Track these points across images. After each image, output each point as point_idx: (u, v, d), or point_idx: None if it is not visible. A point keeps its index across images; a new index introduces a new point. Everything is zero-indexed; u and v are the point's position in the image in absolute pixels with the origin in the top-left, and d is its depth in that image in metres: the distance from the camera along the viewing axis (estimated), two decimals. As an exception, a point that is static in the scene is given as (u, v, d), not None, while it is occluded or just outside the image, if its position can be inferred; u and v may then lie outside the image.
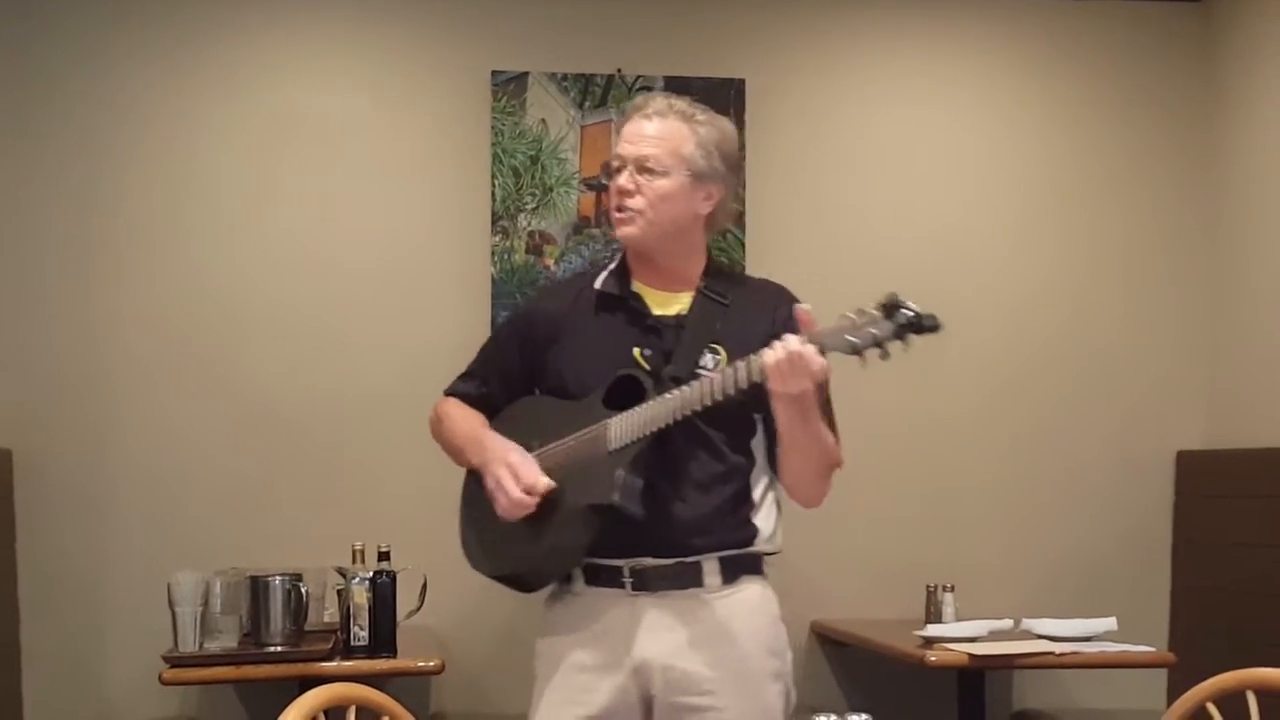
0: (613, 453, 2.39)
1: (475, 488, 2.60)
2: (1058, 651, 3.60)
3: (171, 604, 3.33)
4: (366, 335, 4.22)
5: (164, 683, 3.28)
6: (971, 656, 3.51)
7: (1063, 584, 4.39)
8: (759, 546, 2.51)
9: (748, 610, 2.49)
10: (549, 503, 2.43)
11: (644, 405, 2.37)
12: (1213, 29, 4.54)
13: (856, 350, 2.12)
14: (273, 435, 4.15)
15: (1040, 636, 3.73)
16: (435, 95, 4.29)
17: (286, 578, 3.40)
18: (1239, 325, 4.39)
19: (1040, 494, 4.47)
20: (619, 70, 4.32)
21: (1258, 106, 4.32)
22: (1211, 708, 2.30)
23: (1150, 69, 4.58)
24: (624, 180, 2.50)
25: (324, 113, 4.24)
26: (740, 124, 4.33)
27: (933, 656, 3.52)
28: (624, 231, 2.52)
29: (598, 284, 2.60)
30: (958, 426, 4.46)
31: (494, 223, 4.25)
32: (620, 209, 2.51)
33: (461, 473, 2.68)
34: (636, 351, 2.48)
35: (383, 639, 3.39)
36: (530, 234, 4.26)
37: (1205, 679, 2.34)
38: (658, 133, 2.51)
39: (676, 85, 4.31)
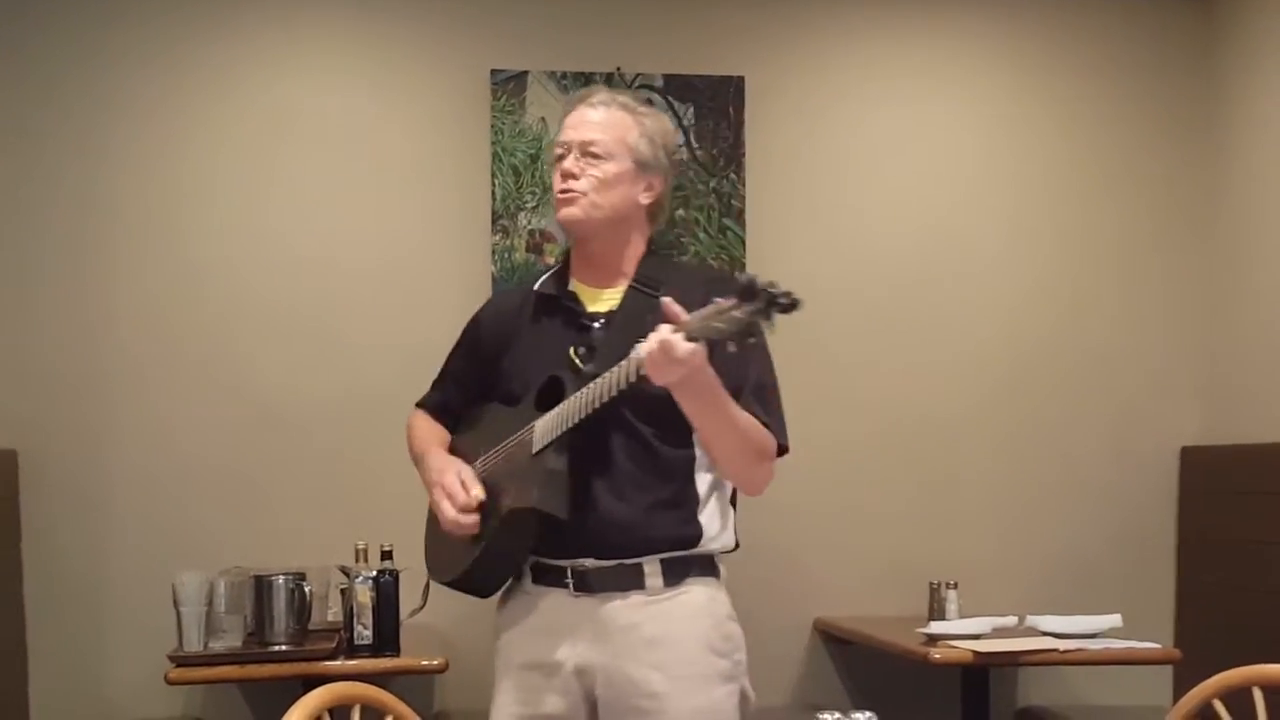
0: (535, 455, 2.40)
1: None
2: (1062, 648, 3.60)
3: (176, 604, 3.33)
4: (367, 335, 4.22)
5: (170, 682, 3.29)
6: (976, 654, 3.50)
7: (1067, 581, 4.39)
8: (704, 547, 2.49)
9: (689, 612, 2.46)
10: (488, 509, 2.45)
11: (560, 405, 2.38)
12: (1213, 26, 4.53)
13: (724, 335, 2.07)
14: (275, 435, 4.15)
15: (1045, 634, 3.73)
16: (435, 94, 4.28)
17: (290, 577, 3.40)
18: (1240, 321, 4.38)
19: (1044, 491, 4.47)
20: (618, 69, 4.32)
21: (1258, 103, 4.32)
22: (1218, 704, 2.29)
23: (1150, 66, 4.57)
24: (569, 164, 2.50)
25: (323, 112, 4.24)
26: (739, 121, 4.35)
27: (937, 654, 3.52)
28: (566, 213, 2.51)
29: (537, 286, 2.61)
30: (961, 423, 4.46)
31: (494, 221, 4.25)
32: (564, 191, 2.51)
33: None
34: (571, 351, 2.48)
35: (386, 638, 3.40)
36: (530, 233, 4.26)
37: (1211, 675, 2.33)
38: (603, 119, 2.52)
39: (676, 83, 4.31)
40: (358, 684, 2.21)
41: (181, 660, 3.30)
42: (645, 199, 2.56)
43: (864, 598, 4.33)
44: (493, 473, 2.49)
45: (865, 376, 4.42)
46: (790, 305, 1.99)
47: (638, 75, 4.32)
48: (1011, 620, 3.83)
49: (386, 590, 3.39)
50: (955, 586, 3.99)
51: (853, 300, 4.42)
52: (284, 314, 4.19)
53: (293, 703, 2.03)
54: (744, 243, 4.34)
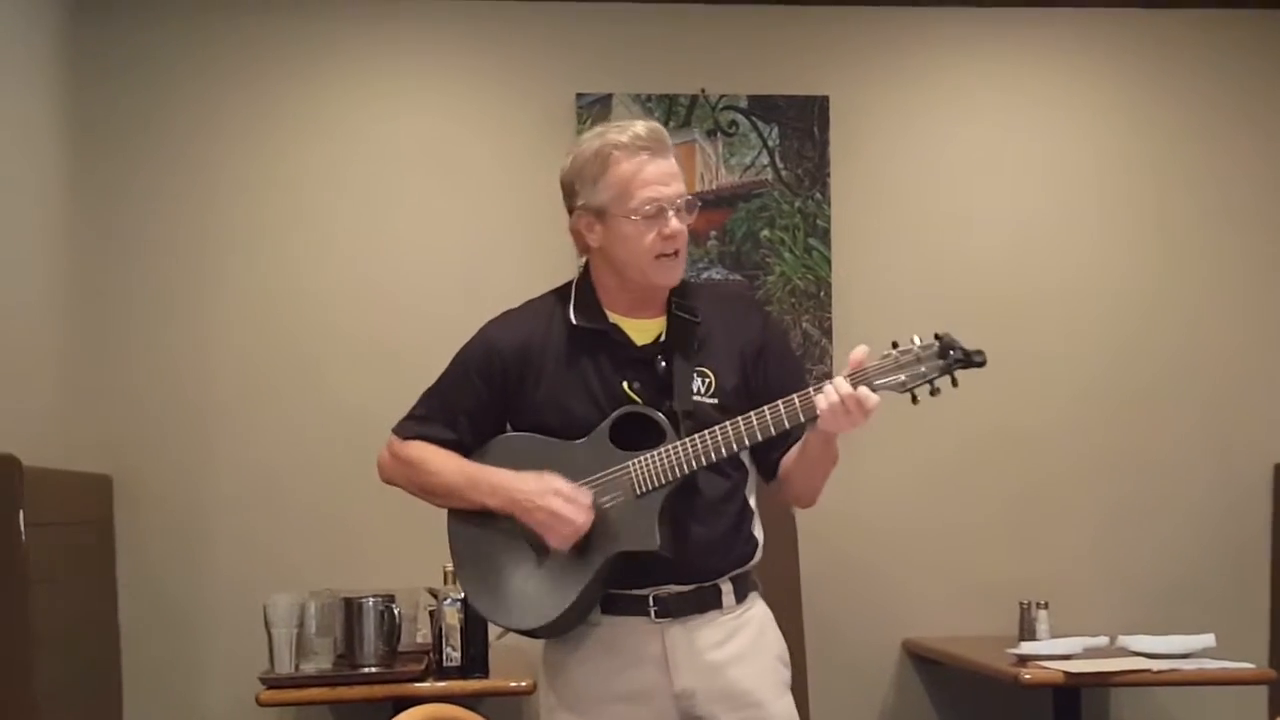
0: (641, 497, 2.37)
1: (473, 540, 2.57)
2: (1155, 669, 3.54)
3: (267, 625, 3.38)
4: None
5: (261, 704, 3.33)
6: (1067, 674, 3.46)
7: (1159, 600, 4.33)
8: (755, 559, 2.52)
9: (759, 627, 2.51)
10: (582, 549, 2.40)
11: (670, 447, 2.34)
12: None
13: (907, 388, 2.15)
14: (364, 460, 4.15)
15: (1137, 654, 3.67)
16: (521, 118, 4.31)
17: (379, 599, 3.43)
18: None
19: (1135, 509, 4.42)
20: (703, 90, 4.33)
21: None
22: (1316, 727, 2.25)
23: (1243, 76, 4.51)
24: (677, 224, 2.44)
25: (410, 139, 4.29)
26: (824, 141, 4.35)
27: (1028, 674, 3.48)
28: (677, 273, 2.48)
29: (572, 319, 2.53)
30: (1051, 441, 4.41)
31: (579, 244, 4.27)
32: (672, 253, 2.44)
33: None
34: (625, 385, 2.45)
35: (475, 659, 3.42)
36: (615, 254, 4.27)
37: (1309, 697, 2.29)
38: (676, 168, 2.49)
39: (760, 104, 4.32)
40: (447, 705, 2.22)
41: (273, 682, 3.34)
42: None
43: (953, 618, 4.29)
44: None
45: (953, 393, 4.36)
46: (981, 364, 2.09)
47: (722, 97, 4.33)
48: (1103, 640, 3.78)
49: (475, 612, 3.39)
50: (1046, 606, 3.95)
51: (939, 318, 4.32)
52: (373, 341, 4.24)
53: (384, 724, 2.05)
54: (829, 262, 4.33)
